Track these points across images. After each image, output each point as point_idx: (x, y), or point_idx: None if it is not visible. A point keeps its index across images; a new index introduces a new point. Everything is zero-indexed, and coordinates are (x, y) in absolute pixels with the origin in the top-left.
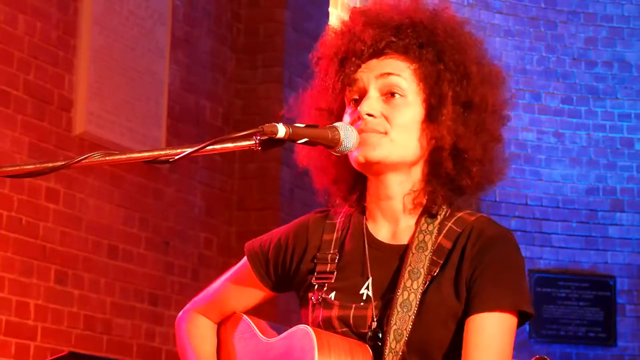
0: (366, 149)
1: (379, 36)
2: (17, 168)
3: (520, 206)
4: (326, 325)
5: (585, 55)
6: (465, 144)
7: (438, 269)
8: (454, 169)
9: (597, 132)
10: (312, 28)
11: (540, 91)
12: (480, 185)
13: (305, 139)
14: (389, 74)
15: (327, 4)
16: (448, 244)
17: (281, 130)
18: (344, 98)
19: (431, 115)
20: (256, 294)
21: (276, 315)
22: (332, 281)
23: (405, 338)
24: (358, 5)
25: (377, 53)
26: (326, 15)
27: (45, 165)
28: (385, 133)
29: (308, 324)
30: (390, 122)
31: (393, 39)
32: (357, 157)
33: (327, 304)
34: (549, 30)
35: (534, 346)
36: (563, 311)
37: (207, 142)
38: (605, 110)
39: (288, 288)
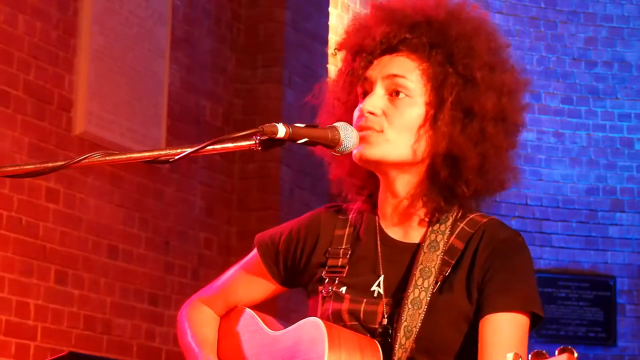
0: (363, 147)
1: (392, 33)
2: (17, 168)
3: (520, 206)
4: (335, 318)
5: (585, 55)
6: (459, 152)
7: (450, 269)
8: (450, 176)
9: (597, 132)
10: (312, 28)
11: (540, 91)
12: (479, 194)
13: (305, 139)
14: (395, 75)
15: (327, 4)
16: (460, 245)
17: (281, 130)
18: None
19: (429, 119)
20: (264, 287)
21: (276, 314)
22: (344, 275)
23: (414, 335)
24: (357, 5)
25: (390, 49)
26: (326, 15)
27: (45, 165)
28: (381, 131)
29: (317, 317)
30: (389, 121)
31: (407, 36)
32: (354, 154)
33: (338, 296)
34: (549, 30)
35: (535, 346)
36: (563, 311)
37: (207, 142)
38: (605, 110)
39: (296, 283)
